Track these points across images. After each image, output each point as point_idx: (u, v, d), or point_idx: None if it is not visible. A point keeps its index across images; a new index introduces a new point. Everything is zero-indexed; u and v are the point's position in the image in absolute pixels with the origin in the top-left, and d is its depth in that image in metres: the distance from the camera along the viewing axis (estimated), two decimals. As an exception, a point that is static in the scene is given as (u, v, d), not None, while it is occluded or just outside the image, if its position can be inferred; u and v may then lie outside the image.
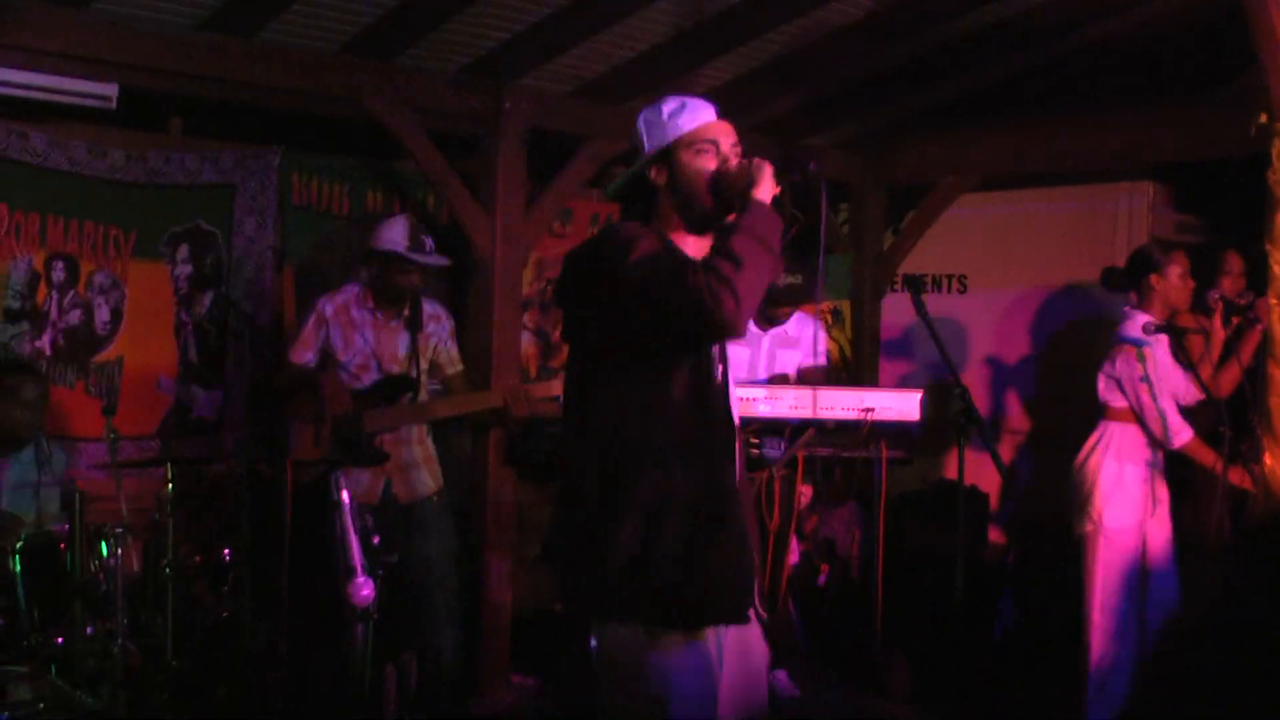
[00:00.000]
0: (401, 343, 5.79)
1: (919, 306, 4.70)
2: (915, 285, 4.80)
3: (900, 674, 6.62)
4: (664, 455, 3.13)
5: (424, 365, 5.83)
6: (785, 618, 6.61)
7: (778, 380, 6.48)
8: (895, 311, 8.41)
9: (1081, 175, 7.73)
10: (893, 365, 8.49)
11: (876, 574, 6.41)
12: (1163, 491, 5.83)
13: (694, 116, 3.35)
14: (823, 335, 6.95)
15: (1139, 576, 5.83)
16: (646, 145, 3.39)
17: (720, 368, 3.30)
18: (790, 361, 6.72)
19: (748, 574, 3.25)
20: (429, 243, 5.77)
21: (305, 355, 5.75)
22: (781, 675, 6.52)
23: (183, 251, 6.50)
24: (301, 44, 5.86)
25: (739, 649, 3.29)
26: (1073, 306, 7.79)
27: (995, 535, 7.70)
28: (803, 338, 6.80)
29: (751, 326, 6.76)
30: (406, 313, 5.81)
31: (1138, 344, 5.71)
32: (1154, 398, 5.68)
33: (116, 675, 4.85)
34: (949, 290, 8.40)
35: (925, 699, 6.46)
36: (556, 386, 5.67)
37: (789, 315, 6.65)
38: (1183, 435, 5.67)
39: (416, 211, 7.22)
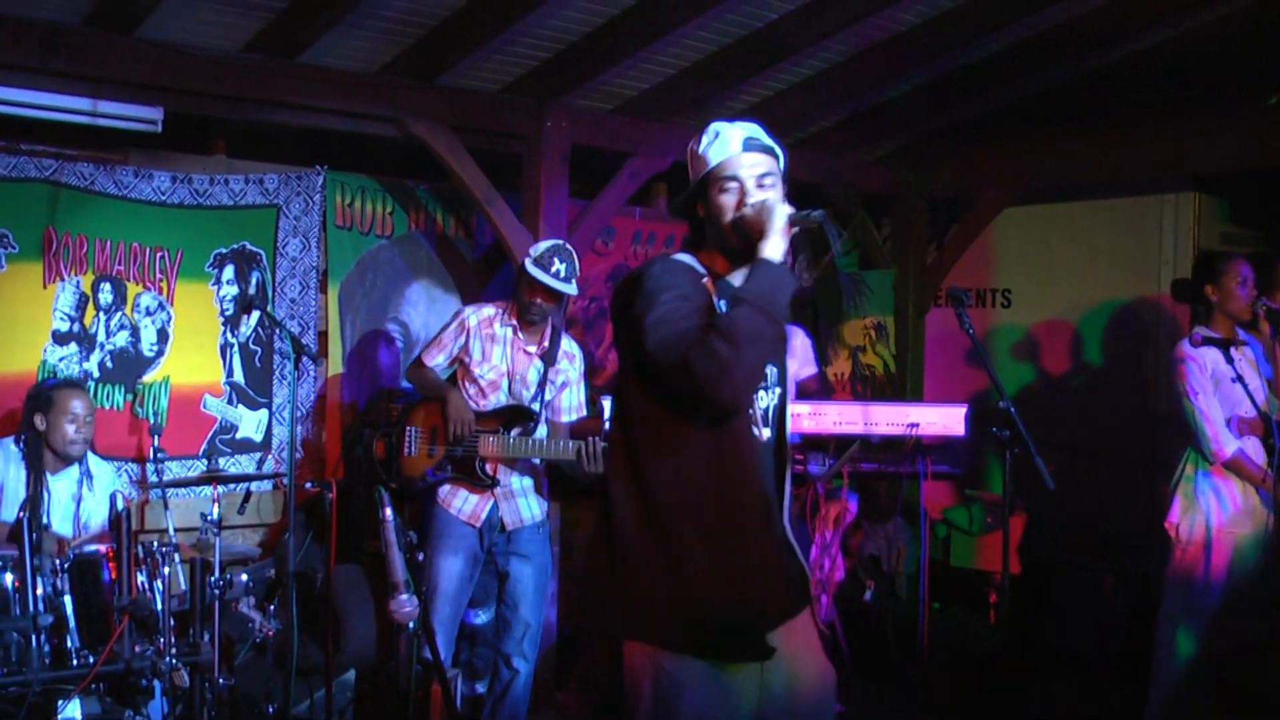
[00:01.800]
0: (535, 370, 5.74)
1: (962, 320, 4.65)
2: (959, 299, 4.75)
3: (945, 691, 6.57)
4: (683, 505, 3.14)
5: (548, 398, 5.78)
6: (829, 634, 6.57)
7: (823, 401, 6.45)
8: (939, 326, 8.37)
9: (1126, 187, 7.67)
10: (937, 380, 8.44)
11: (922, 590, 6.37)
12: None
13: (721, 149, 3.24)
14: (810, 341, 6.89)
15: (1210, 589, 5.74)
16: (691, 177, 3.35)
17: (758, 424, 3.26)
18: (790, 372, 6.67)
19: (769, 613, 3.22)
20: (560, 267, 5.56)
21: (437, 358, 5.75)
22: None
23: (228, 272, 6.55)
24: (344, 65, 5.90)
25: (790, 683, 3.27)
26: (1118, 320, 7.73)
27: (1040, 551, 7.64)
28: (793, 346, 6.74)
29: None
30: (545, 344, 5.76)
31: (1178, 359, 5.66)
32: (1193, 413, 5.62)
33: (164, 694, 4.87)
34: (993, 305, 8.35)
35: (970, 716, 6.40)
36: None
37: None
38: (1224, 452, 5.59)
39: (460, 230, 7.26)
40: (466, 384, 5.71)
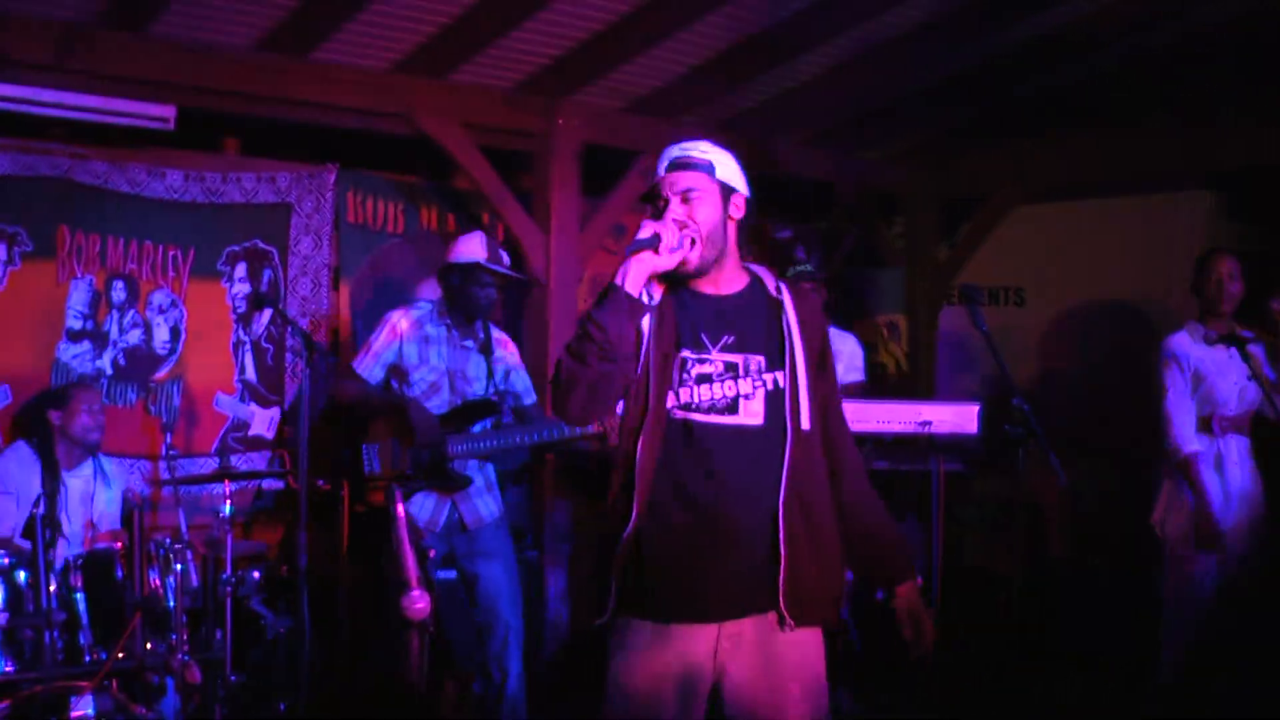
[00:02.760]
0: (475, 364, 5.68)
1: (975, 317, 4.64)
2: (971, 296, 4.74)
3: (957, 691, 6.55)
4: (624, 480, 3.43)
5: (499, 388, 5.77)
6: (843, 633, 6.55)
7: None
8: (951, 324, 8.35)
9: (1139, 186, 7.64)
10: (949, 378, 8.43)
11: (934, 589, 6.35)
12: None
13: (657, 169, 3.49)
14: (860, 351, 6.89)
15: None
16: None
17: (721, 411, 3.46)
18: None
19: (709, 584, 3.40)
20: (505, 256, 5.70)
21: (372, 368, 5.56)
22: (842, 692, 6.47)
23: (240, 270, 6.56)
24: (356, 62, 5.91)
25: (761, 658, 3.42)
26: (1131, 318, 7.71)
27: (1053, 549, 7.63)
28: (843, 351, 6.76)
29: None
30: (480, 335, 5.77)
31: (1160, 354, 5.70)
32: (1162, 408, 5.65)
33: (176, 690, 4.89)
34: (1005, 303, 8.34)
35: (982, 716, 6.39)
36: None
37: None
38: (1179, 451, 5.61)
39: (470, 228, 7.25)
40: (404, 389, 5.58)
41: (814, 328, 3.55)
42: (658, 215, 3.41)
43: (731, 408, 3.44)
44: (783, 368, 3.48)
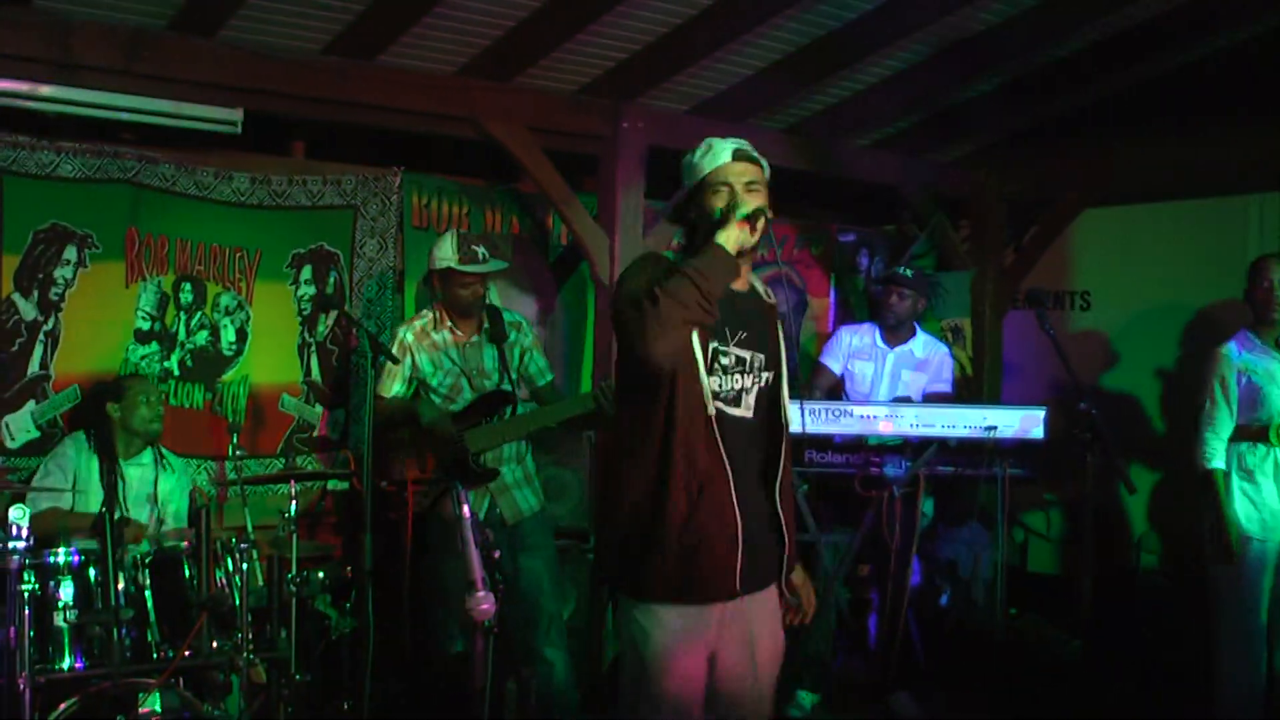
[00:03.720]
0: (488, 356, 5.80)
1: (1043, 321, 4.62)
2: (1039, 300, 4.71)
3: (1023, 700, 6.49)
4: (643, 470, 3.59)
5: (514, 376, 5.84)
6: (905, 639, 6.51)
7: (900, 403, 6.42)
8: (1017, 329, 8.27)
9: (1211, 188, 7.53)
10: (1014, 383, 8.34)
11: (1000, 595, 6.30)
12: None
13: (714, 158, 3.66)
14: (950, 362, 6.86)
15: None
16: (686, 184, 3.75)
17: (731, 403, 3.68)
18: (916, 385, 6.66)
19: (729, 565, 3.62)
20: (480, 252, 5.76)
21: (394, 386, 5.72)
22: (905, 696, 6.44)
23: (306, 273, 6.60)
24: (421, 66, 5.93)
25: (744, 624, 3.71)
26: (1201, 323, 7.60)
27: (1121, 556, 7.53)
28: (931, 360, 6.73)
29: (878, 341, 6.73)
30: (486, 325, 5.84)
31: (1211, 361, 5.70)
32: (1199, 418, 5.69)
33: (241, 689, 4.93)
34: (1071, 308, 8.24)
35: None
36: None
37: (910, 333, 6.60)
38: (1204, 463, 5.63)
39: (536, 231, 7.28)
40: (429, 397, 5.73)
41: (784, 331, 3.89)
42: (734, 200, 3.57)
43: (737, 400, 3.69)
44: (774, 368, 3.78)
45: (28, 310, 5.87)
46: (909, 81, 6.63)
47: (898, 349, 6.68)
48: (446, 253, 5.71)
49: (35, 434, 5.86)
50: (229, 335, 6.40)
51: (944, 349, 6.90)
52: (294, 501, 5.09)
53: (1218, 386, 5.66)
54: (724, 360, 3.64)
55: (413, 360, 5.73)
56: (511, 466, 5.74)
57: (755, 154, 3.71)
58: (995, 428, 5.88)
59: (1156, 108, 7.12)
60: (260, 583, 5.02)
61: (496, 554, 3.65)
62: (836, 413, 5.98)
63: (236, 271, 6.41)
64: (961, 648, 7.02)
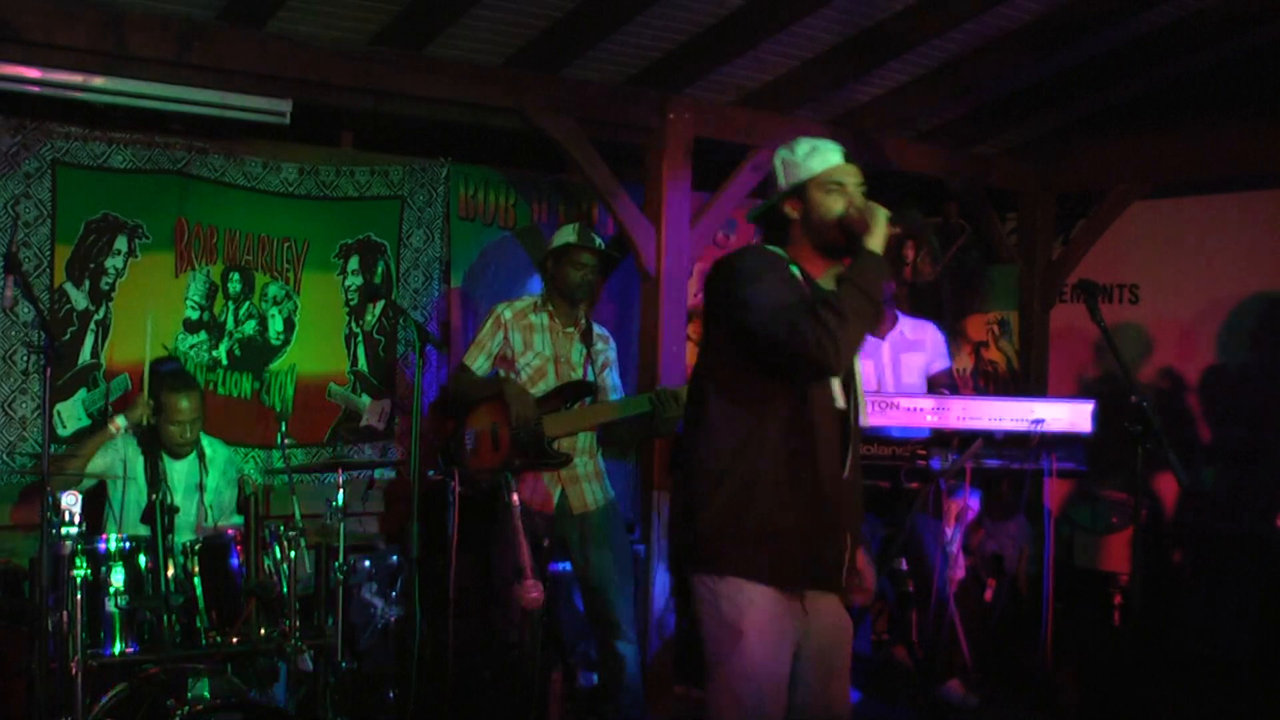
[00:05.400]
0: (576, 350, 5.89)
1: (1094, 313, 4.56)
2: (1090, 291, 4.66)
3: (1071, 692, 6.45)
4: (760, 451, 3.60)
5: (593, 377, 5.89)
6: (950, 632, 6.48)
7: (908, 390, 6.40)
8: (1064, 321, 8.22)
9: (1264, 179, 7.44)
10: (1060, 377, 8.30)
11: (1046, 590, 6.26)
12: None
13: (824, 159, 3.75)
14: (942, 336, 6.80)
15: None
16: (783, 181, 3.80)
17: (839, 394, 3.75)
18: (915, 366, 6.61)
19: (826, 550, 3.68)
20: (598, 239, 5.95)
21: (479, 358, 5.85)
22: (955, 684, 6.42)
23: (353, 263, 6.63)
24: (468, 57, 5.94)
25: (830, 619, 3.74)
26: (1253, 316, 7.52)
27: (1171, 550, 7.47)
28: (924, 340, 6.68)
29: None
30: (582, 324, 5.92)
31: None
32: None
33: (289, 675, 4.96)
34: (1120, 301, 8.17)
35: (1096, 718, 6.28)
36: None
37: (893, 320, 6.56)
38: None
39: (581, 222, 7.27)
40: (510, 376, 5.82)
41: None
42: (853, 197, 3.70)
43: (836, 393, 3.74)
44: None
45: (79, 299, 5.93)
46: (956, 73, 6.59)
47: (889, 338, 6.61)
48: (567, 232, 5.91)
49: (86, 422, 5.92)
50: (276, 325, 6.44)
51: (930, 324, 6.82)
52: (341, 490, 5.11)
53: None
54: None
55: (505, 336, 5.85)
56: (584, 459, 5.81)
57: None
58: (1042, 421, 5.83)
59: (1210, 96, 7.06)
60: (307, 571, 5.05)
61: (546, 542, 3.65)
62: (882, 405, 5.95)
63: (284, 262, 6.45)
64: (1007, 642, 6.99)
